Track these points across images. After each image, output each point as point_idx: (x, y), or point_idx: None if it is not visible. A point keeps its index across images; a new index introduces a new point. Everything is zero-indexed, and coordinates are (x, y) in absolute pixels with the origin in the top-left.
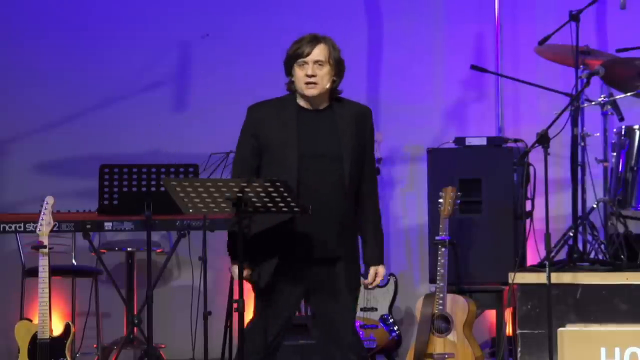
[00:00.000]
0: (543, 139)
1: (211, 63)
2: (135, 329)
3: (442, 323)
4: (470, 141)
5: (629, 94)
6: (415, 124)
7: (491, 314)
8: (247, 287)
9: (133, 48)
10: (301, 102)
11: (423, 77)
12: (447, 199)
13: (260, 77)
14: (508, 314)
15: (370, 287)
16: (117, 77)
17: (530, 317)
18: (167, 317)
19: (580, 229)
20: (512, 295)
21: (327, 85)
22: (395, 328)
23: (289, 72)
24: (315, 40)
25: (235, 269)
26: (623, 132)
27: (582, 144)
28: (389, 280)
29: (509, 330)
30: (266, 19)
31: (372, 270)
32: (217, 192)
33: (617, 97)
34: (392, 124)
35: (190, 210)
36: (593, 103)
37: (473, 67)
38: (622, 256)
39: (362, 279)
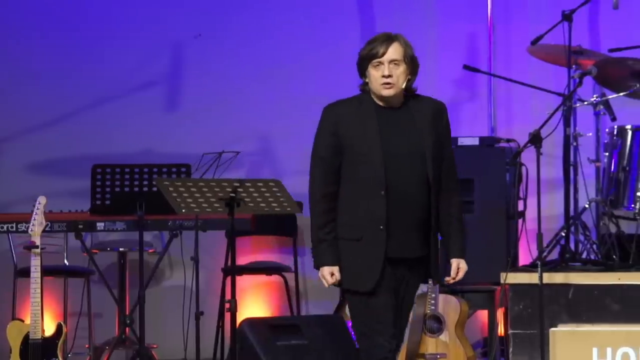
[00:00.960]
0: (535, 139)
1: (204, 63)
2: (127, 329)
3: (434, 323)
4: (463, 141)
5: (621, 94)
6: None
7: (483, 314)
8: (239, 287)
9: (126, 48)
10: (377, 101)
11: (417, 76)
12: None
13: (253, 77)
14: (500, 314)
15: (452, 282)
16: (110, 77)
17: (522, 317)
18: (159, 317)
19: (573, 229)
20: (504, 295)
21: (403, 85)
22: None
23: (362, 73)
24: (389, 39)
25: (325, 271)
26: (615, 132)
27: (575, 143)
28: None
29: (501, 330)
30: (258, 19)
31: (454, 263)
32: (210, 192)
33: (610, 97)
34: None
35: (183, 210)
36: (585, 103)
37: (465, 67)
38: (614, 256)
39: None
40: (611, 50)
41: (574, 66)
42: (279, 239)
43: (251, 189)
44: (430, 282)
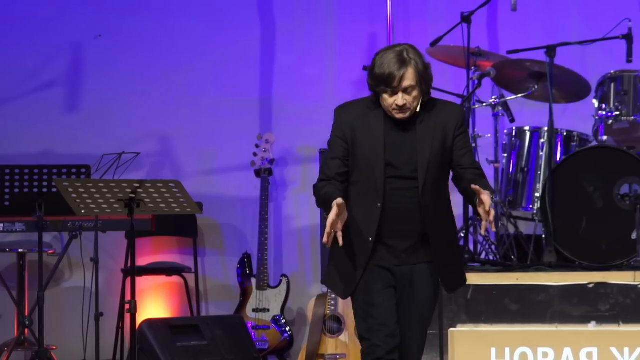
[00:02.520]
0: None
1: (104, 64)
2: (26, 330)
3: (334, 324)
4: None
5: (519, 95)
6: (308, 125)
7: None
8: (139, 288)
9: (25, 49)
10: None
11: (316, 77)
12: None
13: (153, 78)
14: None
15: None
16: (9, 78)
17: None
18: (58, 319)
19: (471, 229)
20: None
21: (417, 106)
22: (288, 329)
23: (373, 89)
24: (403, 64)
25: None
26: (514, 134)
27: (474, 145)
28: (281, 281)
29: None
30: (159, 20)
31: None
32: (110, 193)
33: (508, 98)
34: (284, 124)
35: (82, 211)
36: (484, 104)
37: (365, 68)
38: (512, 257)
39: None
40: (510, 52)
41: (473, 68)
42: (179, 240)
43: (151, 190)
44: None
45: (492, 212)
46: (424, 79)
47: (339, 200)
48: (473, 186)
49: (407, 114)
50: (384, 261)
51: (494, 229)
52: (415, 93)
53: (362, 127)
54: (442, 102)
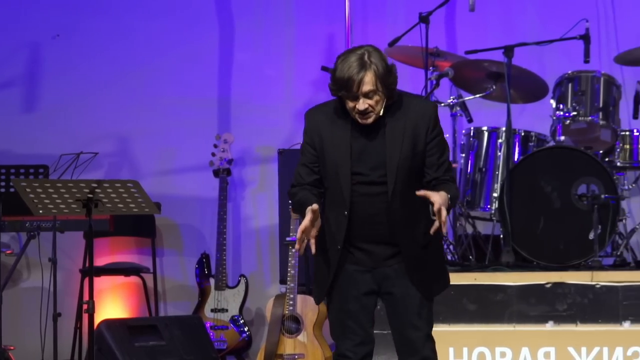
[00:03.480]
0: None
1: (61, 64)
2: None
3: (292, 324)
4: None
5: (477, 95)
6: (266, 125)
7: None
8: (97, 288)
9: None
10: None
11: (274, 77)
12: None
13: (110, 78)
14: None
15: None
16: None
17: (377, 318)
18: (16, 319)
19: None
20: None
21: (380, 110)
22: (246, 329)
23: (336, 94)
24: (362, 68)
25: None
26: (472, 134)
27: None
28: (239, 281)
29: None
30: (117, 20)
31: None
32: (68, 193)
33: (466, 98)
34: (243, 124)
35: (40, 212)
36: (442, 104)
37: (324, 68)
38: (470, 257)
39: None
40: (467, 52)
41: (431, 68)
42: (137, 240)
43: (109, 190)
44: (289, 282)
45: (443, 214)
46: (385, 82)
47: (314, 206)
48: (418, 192)
49: (371, 119)
50: (360, 264)
51: (443, 232)
52: (376, 97)
53: (329, 133)
54: (412, 98)
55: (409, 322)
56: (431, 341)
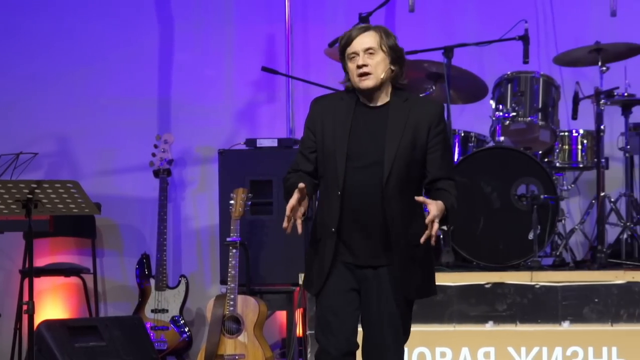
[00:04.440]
0: None
1: (1, 64)
2: None
3: (232, 324)
4: (262, 142)
5: (419, 95)
6: (206, 125)
7: (282, 315)
8: (37, 289)
9: None
10: (360, 97)
11: (214, 78)
12: (238, 200)
13: (50, 78)
14: (298, 314)
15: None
16: None
17: None
18: None
19: None
20: (302, 296)
21: (382, 75)
22: (186, 329)
23: (344, 68)
24: (363, 28)
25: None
26: None
27: None
28: (180, 281)
29: (299, 331)
30: (57, 20)
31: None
32: (7, 194)
33: None
34: (183, 125)
35: None
36: None
37: (264, 68)
38: None
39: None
40: (407, 53)
41: None
42: (77, 241)
43: (49, 190)
44: (229, 282)
45: (435, 226)
46: (391, 49)
47: (301, 184)
48: (416, 198)
49: (372, 81)
50: (345, 257)
51: (432, 243)
52: (378, 57)
53: (332, 117)
54: (422, 98)
55: (379, 333)
56: (399, 354)
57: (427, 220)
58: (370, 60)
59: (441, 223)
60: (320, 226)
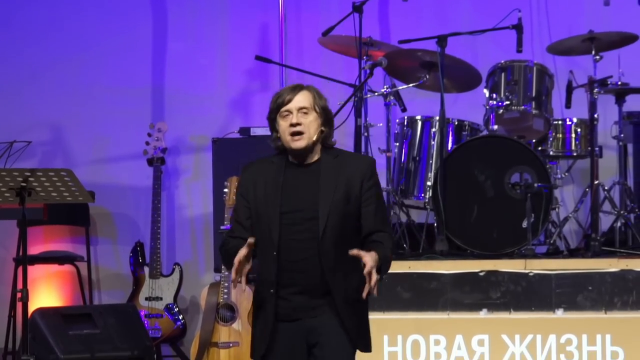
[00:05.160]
0: None
1: None
2: None
3: (227, 312)
4: (255, 131)
5: (411, 84)
6: (200, 114)
7: None
8: (31, 277)
9: None
10: (290, 158)
11: (208, 67)
12: (232, 188)
13: (44, 66)
14: None
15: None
16: None
17: None
18: None
19: None
20: None
21: (315, 136)
22: (180, 317)
23: (273, 127)
24: (297, 87)
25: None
26: (405, 123)
27: (366, 134)
28: (173, 269)
29: None
30: (51, 9)
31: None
32: (1, 182)
33: (400, 87)
34: (177, 114)
35: None
36: (376, 94)
37: (257, 57)
38: (404, 245)
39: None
40: (401, 42)
41: (364, 57)
42: (71, 229)
43: (42, 178)
44: (223, 270)
45: (374, 277)
46: (322, 108)
47: (250, 240)
48: (350, 252)
49: (304, 141)
50: (286, 315)
51: (374, 293)
52: (311, 117)
53: (262, 180)
54: (353, 154)
55: None
56: None
57: (365, 272)
58: (303, 120)
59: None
60: (260, 290)
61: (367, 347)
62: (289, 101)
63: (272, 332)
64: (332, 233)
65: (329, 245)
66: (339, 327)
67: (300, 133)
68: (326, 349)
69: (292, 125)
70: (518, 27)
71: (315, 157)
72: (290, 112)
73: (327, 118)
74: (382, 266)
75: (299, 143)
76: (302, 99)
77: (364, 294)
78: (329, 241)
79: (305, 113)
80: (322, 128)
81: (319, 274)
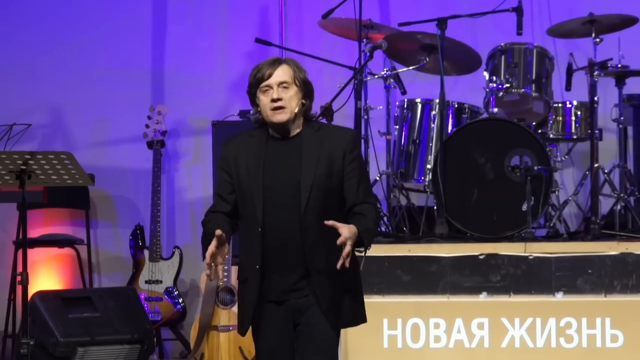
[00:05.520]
0: (327, 112)
1: None
2: None
3: (226, 295)
4: None
5: (411, 67)
6: (200, 97)
7: None
8: (31, 260)
9: None
10: (271, 132)
11: (208, 49)
12: None
13: (44, 49)
14: None
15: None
16: None
17: None
18: None
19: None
20: None
21: (296, 109)
22: (180, 300)
23: (253, 101)
24: (276, 62)
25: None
26: (405, 106)
27: (366, 117)
28: (173, 252)
29: None
30: None
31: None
32: (0, 164)
33: (400, 70)
34: (177, 96)
35: None
36: (376, 76)
37: (257, 40)
38: (404, 228)
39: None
40: (401, 24)
41: (364, 40)
42: (71, 212)
43: (42, 161)
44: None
45: (347, 249)
46: (303, 83)
47: (218, 231)
48: (326, 222)
49: (286, 115)
50: (271, 294)
51: (346, 264)
52: (292, 91)
53: (244, 154)
54: (335, 126)
55: (309, 357)
56: None
57: (338, 242)
58: (284, 94)
59: (356, 245)
60: (244, 265)
61: (355, 322)
62: (269, 76)
63: (257, 311)
64: (314, 208)
65: (312, 221)
66: (320, 304)
67: (281, 107)
68: (310, 329)
69: (273, 100)
70: (518, 10)
71: (297, 131)
72: (270, 87)
73: (307, 90)
74: (363, 238)
75: (281, 117)
76: (282, 74)
77: (338, 265)
78: (311, 216)
79: (286, 87)
80: (303, 101)
81: (301, 249)
